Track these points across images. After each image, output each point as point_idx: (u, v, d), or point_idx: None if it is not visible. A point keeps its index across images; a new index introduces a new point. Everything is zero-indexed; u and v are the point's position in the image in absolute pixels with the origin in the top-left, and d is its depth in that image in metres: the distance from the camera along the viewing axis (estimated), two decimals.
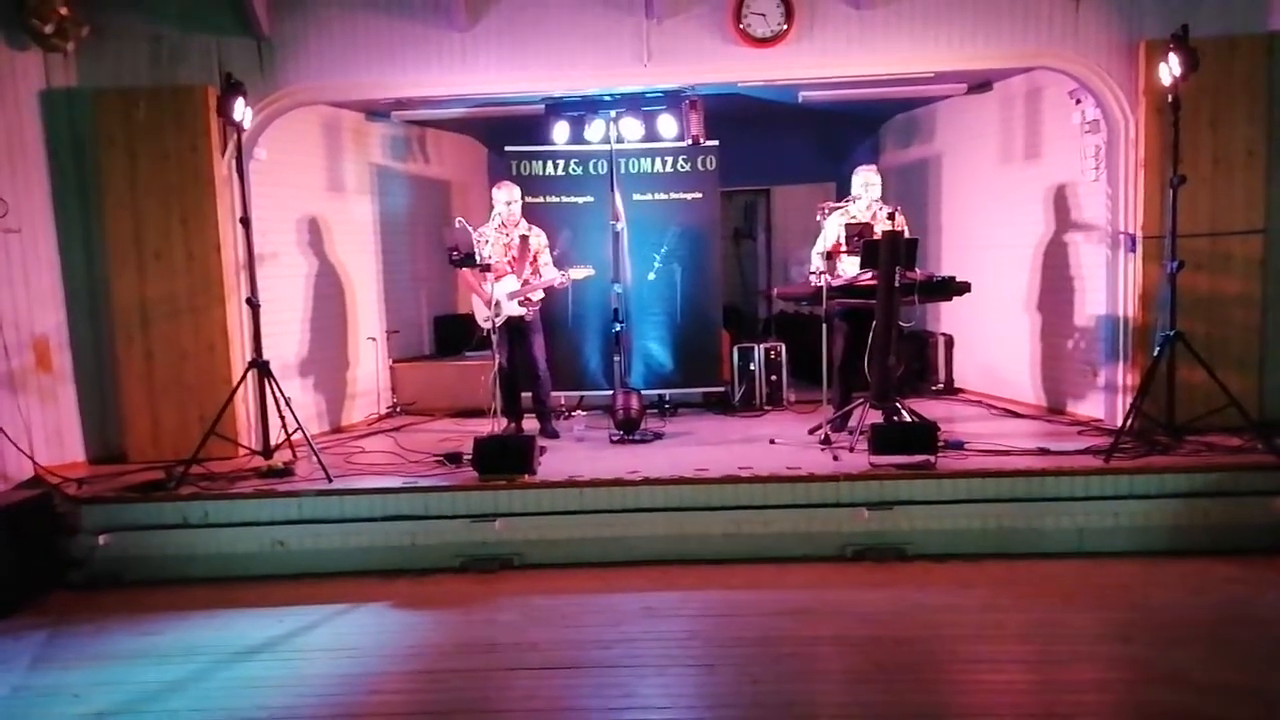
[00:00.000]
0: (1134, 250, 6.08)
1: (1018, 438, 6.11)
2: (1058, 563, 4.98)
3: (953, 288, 6.06)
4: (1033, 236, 7.14)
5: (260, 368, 5.86)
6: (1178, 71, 5.45)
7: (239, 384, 6.09)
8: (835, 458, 5.65)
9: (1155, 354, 5.57)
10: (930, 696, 3.66)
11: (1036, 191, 7.07)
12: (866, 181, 6.45)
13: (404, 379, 8.08)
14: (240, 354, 6.34)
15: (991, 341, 7.73)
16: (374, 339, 7.89)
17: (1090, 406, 6.68)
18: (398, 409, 7.95)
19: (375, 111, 7.74)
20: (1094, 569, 4.85)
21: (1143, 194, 6.01)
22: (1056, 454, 5.58)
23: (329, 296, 7.40)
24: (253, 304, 5.86)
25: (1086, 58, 6.07)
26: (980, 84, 7.37)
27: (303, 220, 7.18)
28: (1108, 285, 6.34)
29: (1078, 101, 6.51)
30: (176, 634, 4.57)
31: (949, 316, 8.20)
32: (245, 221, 5.89)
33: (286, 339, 6.86)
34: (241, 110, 5.70)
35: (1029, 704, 3.58)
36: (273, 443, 6.02)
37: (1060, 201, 6.87)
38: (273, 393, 5.87)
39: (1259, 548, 4.93)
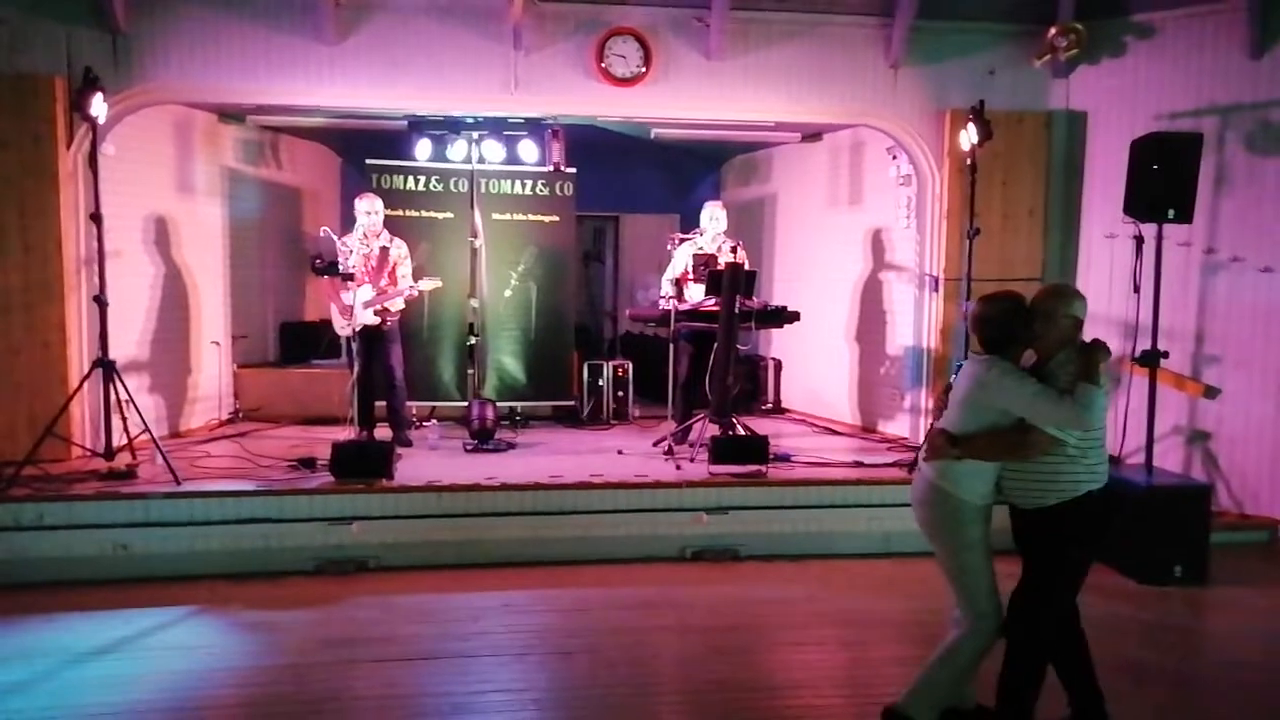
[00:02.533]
0: (937, 290, 6.95)
1: (836, 452, 6.83)
2: (869, 562, 5.65)
3: (784, 316, 6.72)
4: (853, 274, 7.95)
5: (106, 367, 5.71)
6: (975, 138, 6.35)
7: (82, 383, 5.90)
8: (678, 467, 6.13)
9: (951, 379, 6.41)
10: (759, 673, 4.18)
11: (857, 234, 7.90)
12: (713, 215, 7.03)
13: (248, 385, 7.96)
14: (78, 352, 6.14)
15: (815, 366, 8.50)
16: (218, 343, 7.74)
17: (897, 426, 7.51)
18: (240, 415, 7.81)
19: (229, 114, 7.65)
20: (899, 567, 5.53)
21: (945, 241, 6.89)
22: (868, 466, 6.31)
23: (173, 298, 7.22)
24: (101, 302, 5.72)
25: (902, 120, 6.91)
26: (812, 134, 8.16)
27: (149, 219, 7.00)
28: (914, 319, 7.20)
29: (894, 157, 7.36)
30: (13, 637, 4.44)
31: (779, 343, 8.93)
32: (96, 218, 5.74)
33: (126, 339, 6.65)
34: (99, 106, 5.59)
35: (841, 677, 4.18)
36: (114, 445, 5.86)
37: (877, 244, 7.72)
38: (117, 393, 5.73)
39: None
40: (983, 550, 3.29)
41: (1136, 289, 5.69)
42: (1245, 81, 6.16)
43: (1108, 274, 6.63)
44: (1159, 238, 5.63)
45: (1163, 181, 5.51)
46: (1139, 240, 5.68)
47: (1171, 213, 5.50)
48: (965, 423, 3.26)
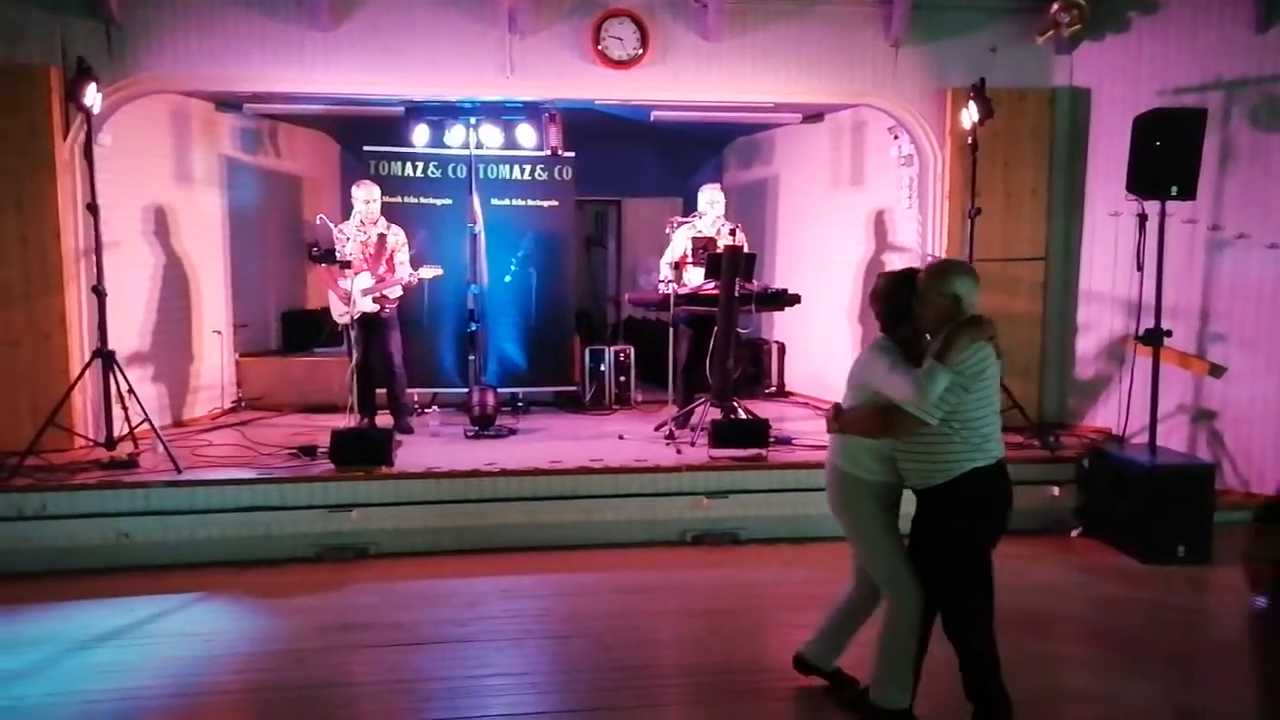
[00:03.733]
0: None
1: None
2: None
3: (785, 299, 6.68)
4: (856, 255, 7.90)
5: (105, 357, 5.72)
6: (976, 117, 6.28)
7: (82, 373, 5.91)
8: (678, 451, 6.11)
9: None
10: (759, 656, 4.17)
11: (859, 215, 7.84)
12: (712, 199, 6.99)
13: (250, 373, 7.97)
14: (79, 343, 6.15)
15: (818, 349, 8.46)
16: (219, 332, 7.75)
17: None
18: (243, 404, 7.83)
19: (226, 102, 7.63)
20: None
21: (947, 222, 6.83)
22: None
23: (173, 288, 7.23)
24: (99, 292, 5.72)
25: (903, 100, 6.84)
26: (813, 115, 8.09)
27: (148, 209, 7.00)
28: None
29: (895, 137, 7.29)
30: (16, 625, 4.48)
31: (781, 325, 8.89)
32: (93, 208, 5.73)
33: (127, 330, 6.67)
34: (93, 96, 5.57)
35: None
36: (116, 434, 5.88)
37: (879, 225, 7.66)
38: (117, 383, 5.74)
39: (1034, 529, 5.75)
40: (884, 526, 3.37)
41: (1140, 267, 5.64)
42: (1251, 56, 6.06)
43: (1112, 252, 6.57)
44: (1162, 215, 5.56)
45: (1166, 158, 5.44)
46: (1142, 218, 5.62)
47: (1175, 189, 5.43)
48: (848, 399, 3.39)
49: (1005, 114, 6.54)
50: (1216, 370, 6.18)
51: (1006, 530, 3.26)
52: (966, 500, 3.15)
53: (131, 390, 5.76)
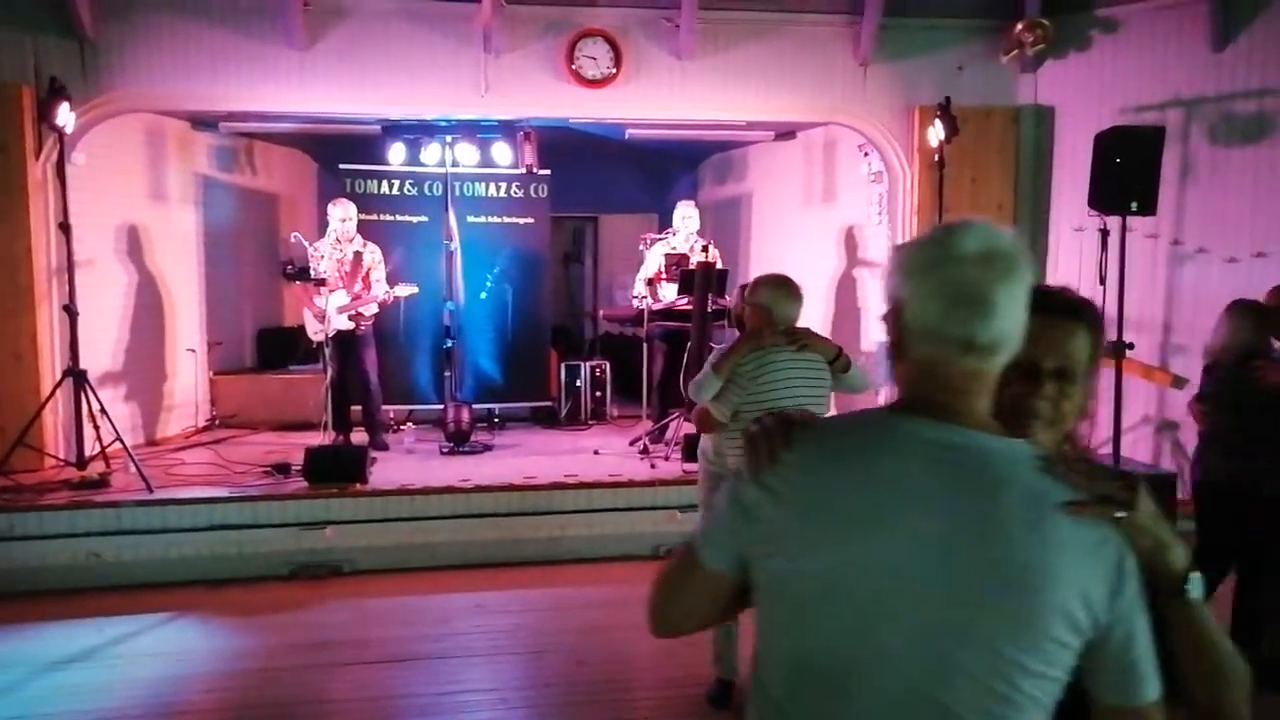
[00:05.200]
0: None
1: None
2: None
3: None
4: (828, 270, 8.00)
5: (77, 377, 5.70)
6: (943, 135, 6.39)
7: (53, 393, 5.89)
8: (653, 466, 6.15)
9: None
10: None
11: (831, 231, 7.94)
12: (685, 215, 7.07)
13: (225, 391, 7.95)
14: (50, 362, 6.12)
15: None
16: (193, 350, 7.73)
17: None
18: (217, 422, 7.81)
19: (202, 121, 7.64)
20: None
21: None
22: None
23: (147, 306, 7.21)
24: (71, 311, 5.71)
25: (872, 118, 6.95)
26: (785, 133, 8.19)
27: (121, 228, 6.99)
28: None
29: (865, 155, 7.39)
30: None
31: None
32: (65, 227, 5.74)
33: (100, 349, 6.64)
34: (66, 115, 5.58)
35: None
36: (87, 454, 5.85)
37: (850, 241, 7.76)
38: (89, 403, 5.72)
39: None
40: None
41: (1102, 281, 5.74)
42: (1209, 74, 6.21)
43: (1076, 267, 6.67)
44: (1123, 230, 5.68)
45: (1126, 174, 5.56)
46: (1104, 233, 5.73)
47: (1134, 205, 5.55)
48: None
49: (972, 131, 6.66)
50: (1179, 381, 6.29)
51: None
52: None
53: (103, 409, 5.74)
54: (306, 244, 6.29)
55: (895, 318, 1.22)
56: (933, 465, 1.14)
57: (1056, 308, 1.37)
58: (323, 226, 7.02)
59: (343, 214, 6.60)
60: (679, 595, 1.34)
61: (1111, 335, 5.77)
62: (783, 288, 3.45)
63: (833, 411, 3.49)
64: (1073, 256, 6.73)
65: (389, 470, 6.08)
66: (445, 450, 6.75)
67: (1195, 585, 1.18)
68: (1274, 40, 5.97)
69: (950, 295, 1.15)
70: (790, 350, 3.35)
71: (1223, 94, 6.16)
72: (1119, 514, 1.13)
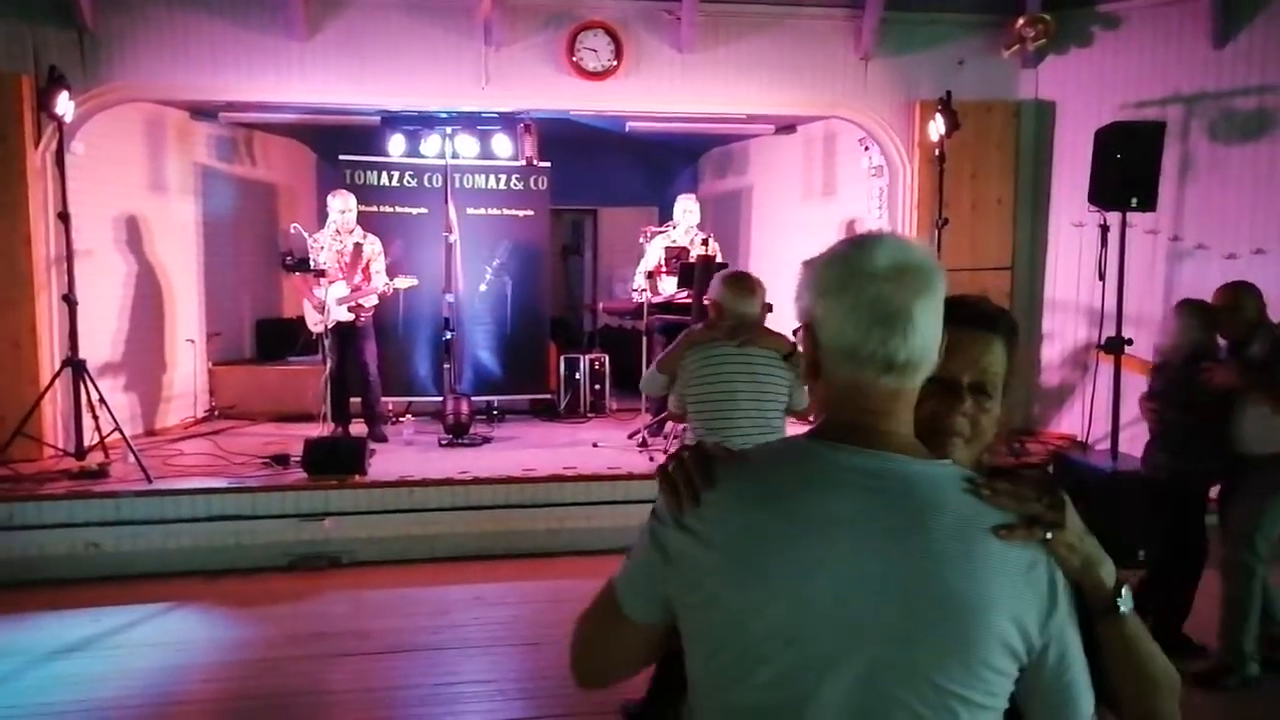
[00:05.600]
0: None
1: None
2: None
3: None
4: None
5: (76, 367, 5.70)
6: (943, 129, 6.39)
7: (51, 382, 5.89)
8: (651, 459, 6.16)
9: None
10: None
11: (831, 224, 7.92)
12: (685, 209, 7.07)
13: (224, 382, 7.95)
14: (49, 352, 6.12)
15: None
16: (192, 341, 7.73)
17: None
18: (216, 412, 7.81)
19: (201, 111, 7.63)
20: None
21: (916, 231, 6.92)
22: None
23: (146, 297, 7.21)
24: (70, 301, 5.70)
25: (872, 112, 6.94)
26: (786, 127, 8.19)
27: (120, 218, 6.98)
28: None
29: (866, 149, 7.40)
30: None
31: None
32: (64, 217, 5.72)
33: (99, 339, 6.64)
34: (65, 104, 5.57)
35: None
36: (85, 444, 5.85)
37: (851, 234, 7.74)
38: (88, 393, 5.72)
39: None
40: None
41: (1102, 276, 5.75)
42: (1209, 71, 6.21)
43: (1076, 262, 6.69)
44: (1123, 225, 5.68)
45: (1126, 170, 5.56)
46: (1104, 228, 5.74)
47: (1134, 200, 5.55)
48: None
49: (972, 126, 6.65)
50: None
51: None
52: None
53: (102, 399, 5.75)
54: (306, 235, 6.29)
55: (810, 337, 1.17)
56: (861, 496, 1.09)
57: (971, 319, 1.31)
58: (322, 217, 7.02)
59: (342, 205, 6.60)
60: (604, 646, 1.26)
61: (1110, 331, 5.78)
62: (736, 284, 3.43)
63: (784, 409, 3.48)
64: (1072, 252, 6.74)
65: (388, 462, 6.08)
66: (444, 442, 6.75)
67: (1126, 599, 1.16)
68: (1274, 37, 5.96)
69: (867, 313, 1.10)
70: (732, 346, 3.33)
71: (1223, 90, 6.16)
72: (1047, 535, 1.10)
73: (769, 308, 3.51)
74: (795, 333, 1.21)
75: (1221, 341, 3.90)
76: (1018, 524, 1.09)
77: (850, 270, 1.13)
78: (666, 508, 1.16)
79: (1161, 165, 5.67)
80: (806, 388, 3.57)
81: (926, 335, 1.12)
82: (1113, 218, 5.70)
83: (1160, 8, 6.40)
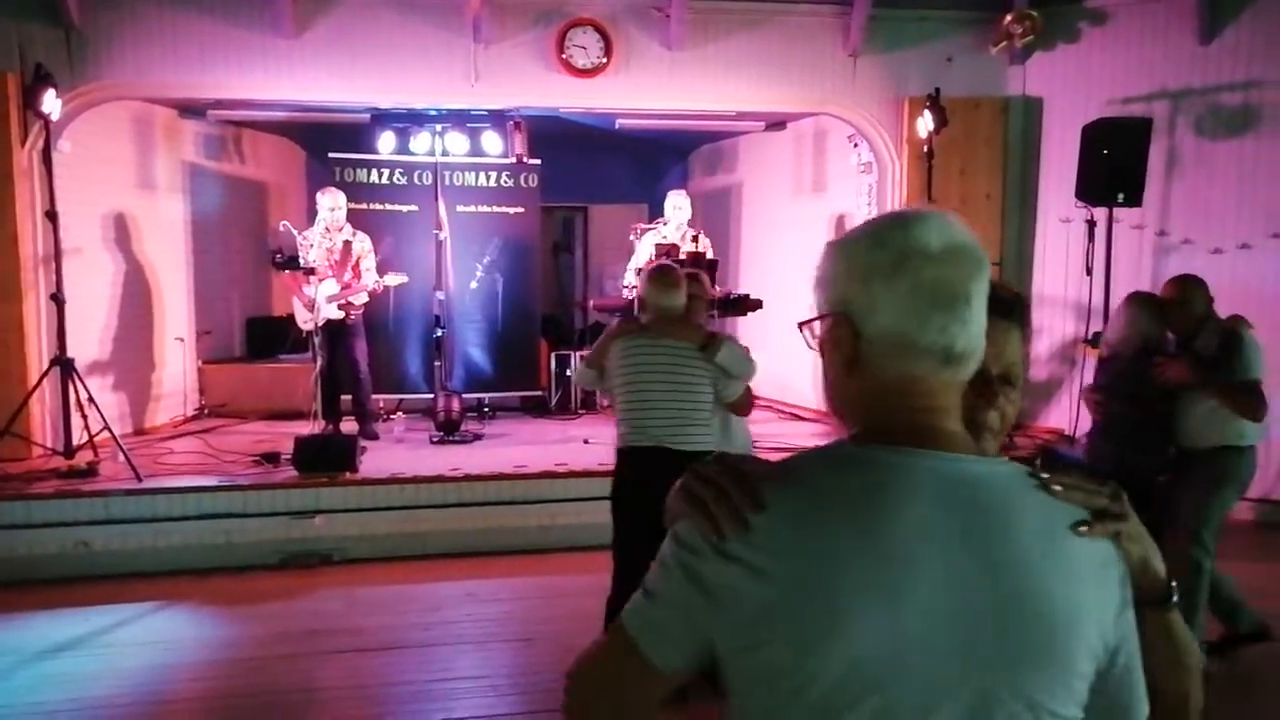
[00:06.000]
0: None
1: (798, 437, 6.90)
2: None
3: (748, 304, 6.78)
4: (817, 261, 8.01)
5: (64, 365, 5.68)
6: (932, 126, 6.41)
7: (39, 381, 5.86)
8: None
9: None
10: None
11: (821, 221, 7.96)
12: (676, 205, 7.08)
13: (214, 381, 7.93)
14: (37, 351, 6.09)
15: (781, 353, 8.52)
16: (182, 339, 7.71)
17: None
18: (206, 411, 7.79)
19: (190, 109, 7.60)
20: None
21: None
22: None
23: (135, 295, 7.18)
24: (58, 300, 5.68)
25: (861, 108, 6.96)
26: (776, 123, 8.20)
27: (109, 216, 6.96)
28: None
29: (855, 145, 7.42)
30: None
31: (745, 331, 8.96)
32: (52, 215, 5.70)
33: (88, 337, 6.61)
34: (52, 102, 5.54)
35: None
36: (75, 443, 5.83)
37: (840, 231, 7.72)
38: (76, 391, 5.70)
39: None
40: None
41: (1089, 271, 5.79)
42: (1195, 67, 6.26)
43: (1064, 257, 6.73)
44: (1110, 221, 5.72)
45: (1112, 166, 5.61)
46: (1091, 224, 5.77)
47: (1121, 196, 5.60)
48: None
49: (960, 122, 6.68)
50: None
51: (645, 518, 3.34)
52: (616, 474, 3.65)
53: (91, 398, 5.73)
54: (295, 233, 6.28)
55: (846, 328, 1.02)
56: (942, 507, 0.95)
57: (993, 308, 1.19)
58: (312, 215, 7.01)
59: (331, 203, 6.59)
60: (619, 706, 1.05)
61: (1097, 326, 5.82)
62: (659, 279, 3.52)
63: (708, 400, 3.49)
64: (1060, 247, 6.78)
65: (379, 459, 6.08)
66: (435, 439, 6.76)
67: (1176, 589, 1.13)
68: (1259, 33, 6.01)
69: (927, 299, 0.99)
70: (649, 339, 3.47)
71: (1209, 86, 6.20)
72: (1119, 528, 1.04)
73: (711, 301, 3.58)
74: (803, 326, 1.08)
75: (1172, 336, 3.92)
76: (1094, 519, 1.02)
77: (903, 252, 1.00)
78: (700, 534, 0.98)
79: (1148, 161, 5.71)
80: (742, 379, 3.57)
81: (981, 322, 1.03)
82: (1100, 213, 5.74)
83: (1147, 4, 6.44)
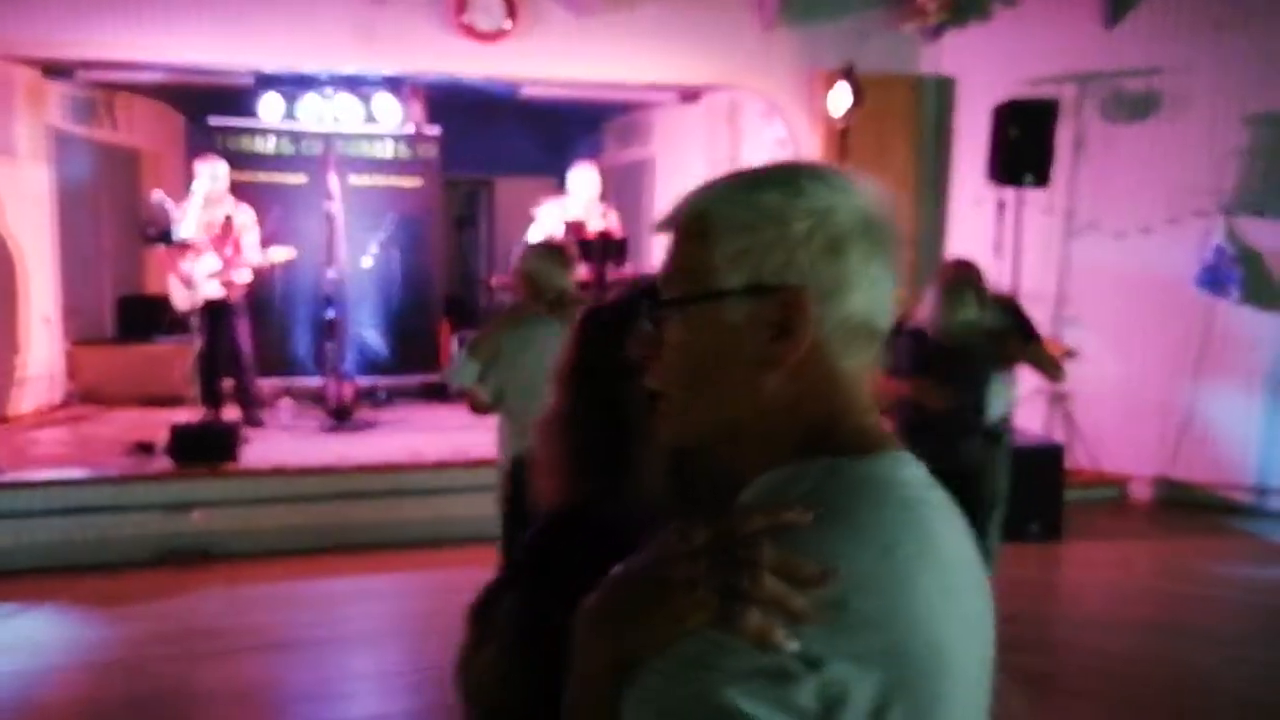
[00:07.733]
0: None
1: None
2: None
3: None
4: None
5: None
6: (848, 101, 6.31)
7: None
8: None
9: None
10: None
11: None
12: (582, 178, 6.80)
13: (84, 364, 7.36)
14: None
15: None
16: (49, 320, 7.12)
17: None
18: (75, 397, 7.23)
19: (55, 69, 6.97)
20: None
21: None
22: None
23: None
24: None
25: (775, 82, 6.83)
26: (690, 95, 8.00)
27: None
28: None
29: (770, 120, 7.29)
30: None
31: None
32: None
33: None
34: None
35: None
36: None
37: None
38: None
39: None
40: None
41: (998, 253, 5.79)
42: (1101, 50, 6.30)
43: (976, 238, 6.72)
44: (1018, 202, 5.72)
45: (1021, 147, 5.60)
46: (1001, 205, 5.77)
47: (1029, 177, 5.59)
48: None
49: (875, 100, 6.59)
50: (1069, 354, 6.43)
51: None
52: (515, 490, 2.93)
53: None
54: (169, 204, 5.80)
55: (800, 311, 0.79)
56: (945, 519, 0.80)
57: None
58: (190, 185, 6.51)
59: (211, 173, 6.13)
60: None
61: None
62: (550, 254, 3.22)
63: None
64: (972, 228, 6.77)
65: (264, 449, 5.71)
66: (326, 427, 6.40)
67: None
68: (1162, 18, 6.08)
69: (893, 275, 0.82)
70: (554, 322, 3.01)
71: (1114, 71, 6.26)
72: None
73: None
74: (684, 304, 0.83)
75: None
76: None
77: (869, 216, 0.81)
78: (766, 642, 0.68)
79: (1055, 143, 5.72)
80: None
81: None
82: (1009, 194, 5.74)
83: None
